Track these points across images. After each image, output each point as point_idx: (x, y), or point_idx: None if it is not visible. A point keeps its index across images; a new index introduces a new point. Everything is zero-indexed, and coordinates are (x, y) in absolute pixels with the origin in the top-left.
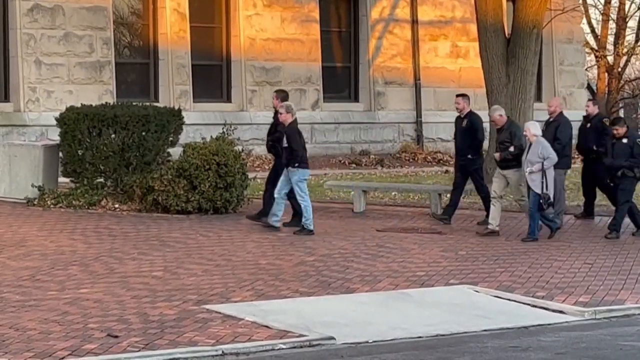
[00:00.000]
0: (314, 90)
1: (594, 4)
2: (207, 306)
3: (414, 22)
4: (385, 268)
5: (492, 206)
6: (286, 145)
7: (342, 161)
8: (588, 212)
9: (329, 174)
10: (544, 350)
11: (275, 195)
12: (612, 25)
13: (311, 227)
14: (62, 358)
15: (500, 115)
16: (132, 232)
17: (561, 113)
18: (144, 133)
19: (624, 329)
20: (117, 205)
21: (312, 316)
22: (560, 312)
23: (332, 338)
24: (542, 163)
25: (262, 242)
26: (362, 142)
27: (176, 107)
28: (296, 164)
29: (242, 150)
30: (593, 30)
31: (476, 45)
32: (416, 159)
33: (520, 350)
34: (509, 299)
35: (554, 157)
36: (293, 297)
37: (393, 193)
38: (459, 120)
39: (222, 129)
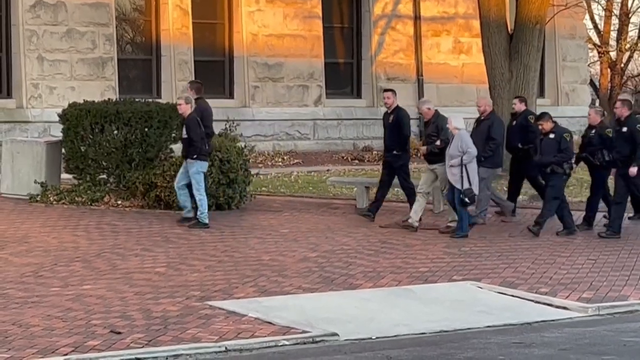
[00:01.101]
0: (317, 86)
1: (596, 0)
2: (210, 302)
3: (417, 18)
4: (389, 264)
5: (416, 201)
6: (185, 137)
7: (345, 157)
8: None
9: (332, 170)
10: (548, 346)
11: (175, 187)
12: (614, 21)
13: (206, 221)
14: (66, 354)
15: (429, 109)
16: (134, 229)
17: (492, 112)
18: (146, 129)
19: (627, 325)
20: (119, 202)
21: (315, 312)
22: (564, 308)
23: (335, 334)
24: (462, 157)
25: (265, 239)
26: (364, 138)
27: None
28: (194, 156)
29: (245, 146)
30: (596, 26)
31: (479, 41)
32: (419, 155)
33: (524, 347)
34: (512, 295)
35: (472, 151)
36: (296, 294)
37: (396, 189)
38: (386, 115)
39: (225, 125)
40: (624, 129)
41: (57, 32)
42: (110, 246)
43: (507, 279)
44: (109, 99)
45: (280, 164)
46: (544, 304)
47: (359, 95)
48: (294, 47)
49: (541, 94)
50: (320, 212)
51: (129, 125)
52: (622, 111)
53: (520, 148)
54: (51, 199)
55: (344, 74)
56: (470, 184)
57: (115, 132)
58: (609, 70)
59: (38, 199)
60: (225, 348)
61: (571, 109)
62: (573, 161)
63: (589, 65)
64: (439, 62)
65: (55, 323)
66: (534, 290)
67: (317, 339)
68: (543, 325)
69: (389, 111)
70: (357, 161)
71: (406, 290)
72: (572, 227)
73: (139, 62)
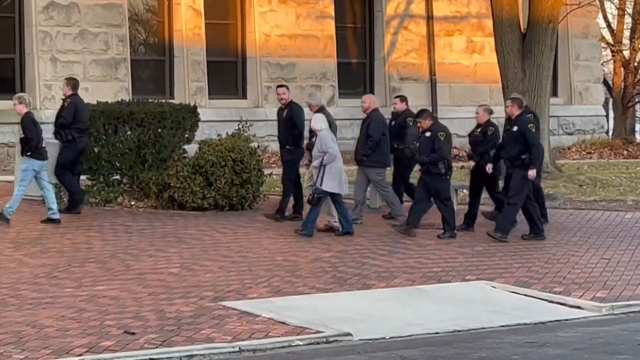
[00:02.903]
0: (330, 86)
1: None
2: (224, 303)
3: (429, 17)
4: (402, 264)
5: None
6: (22, 136)
7: None
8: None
9: (345, 170)
10: (561, 345)
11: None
12: (628, 19)
13: (9, 217)
14: (80, 355)
15: (311, 104)
16: (148, 229)
17: (375, 110)
18: (159, 130)
19: None
20: (133, 202)
21: (328, 312)
22: (578, 307)
23: (349, 334)
24: (323, 158)
25: (278, 239)
26: None
27: (192, 104)
28: (28, 153)
29: (258, 146)
30: (609, 25)
31: (492, 41)
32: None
33: (538, 346)
34: (525, 295)
35: (332, 152)
36: (309, 294)
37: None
38: (280, 111)
39: (238, 125)
40: (514, 128)
41: (70, 33)
42: (124, 247)
43: (521, 279)
44: (122, 99)
45: None
46: (558, 303)
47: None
48: (306, 47)
49: (554, 93)
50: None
51: (142, 126)
52: (513, 110)
53: (396, 148)
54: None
55: (356, 74)
56: (321, 183)
57: (129, 132)
58: (622, 69)
59: None
60: (239, 348)
61: (584, 108)
62: (475, 160)
63: (602, 64)
64: (452, 62)
65: (69, 324)
66: (547, 289)
67: (331, 339)
68: (557, 325)
69: (283, 106)
70: None
71: (419, 290)
72: (452, 230)
73: (152, 62)
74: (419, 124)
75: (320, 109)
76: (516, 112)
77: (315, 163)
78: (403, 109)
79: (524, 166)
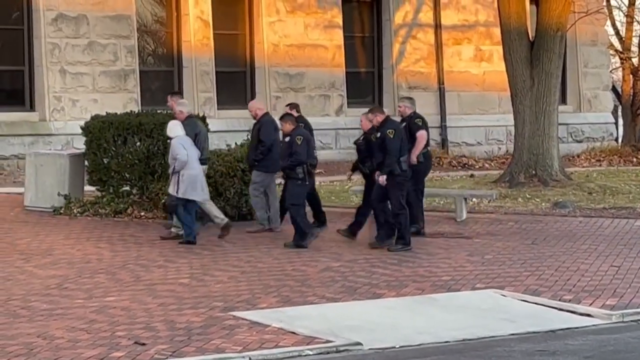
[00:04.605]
0: (338, 95)
1: (618, 6)
2: (234, 313)
3: (437, 26)
4: (411, 273)
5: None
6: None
7: None
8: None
9: (354, 180)
10: (572, 354)
11: None
12: (636, 27)
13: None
14: None
15: (181, 112)
16: (158, 240)
17: (266, 114)
18: (168, 141)
19: None
20: (142, 213)
21: (338, 322)
22: (588, 315)
23: (359, 343)
24: (174, 165)
25: (288, 248)
26: None
27: (200, 115)
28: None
29: None
30: (617, 32)
31: (500, 49)
32: (441, 163)
33: (548, 354)
34: (535, 303)
35: (180, 158)
36: (319, 303)
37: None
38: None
39: (247, 135)
40: (378, 135)
41: (79, 44)
42: (134, 258)
43: (531, 287)
44: (131, 110)
45: None
46: (568, 311)
47: (380, 104)
48: (315, 57)
49: (563, 100)
50: (342, 221)
51: (152, 137)
52: (378, 118)
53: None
54: (75, 211)
55: (365, 83)
56: (177, 191)
57: (138, 143)
58: (631, 76)
59: (62, 211)
60: (249, 358)
61: (593, 116)
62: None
63: (611, 71)
64: (460, 70)
65: (79, 335)
66: (557, 297)
67: (341, 349)
68: (567, 333)
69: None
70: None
71: (429, 299)
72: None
73: (161, 73)
74: (281, 127)
75: (189, 117)
76: (380, 118)
77: (170, 170)
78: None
79: (391, 173)
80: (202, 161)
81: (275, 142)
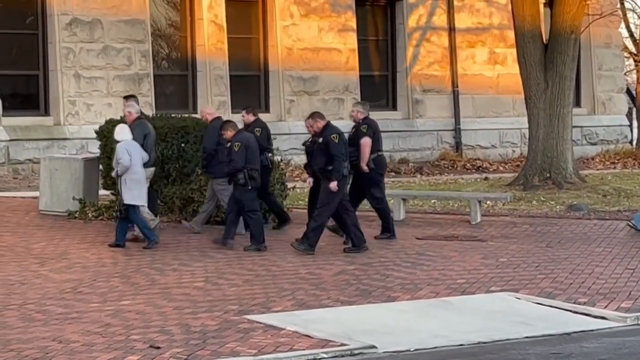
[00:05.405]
0: (352, 99)
1: (632, 8)
2: (249, 316)
3: (451, 29)
4: (426, 276)
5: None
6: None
7: None
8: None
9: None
10: (587, 356)
11: None
12: None
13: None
14: None
15: (129, 113)
16: (172, 243)
17: (216, 118)
18: (183, 144)
19: None
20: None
21: (353, 325)
22: (602, 318)
23: (374, 347)
24: (117, 170)
25: (302, 252)
26: (400, 150)
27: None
28: None
29: (281, 160)
30: (631, 35)
31: (514, 52)
32: (455, 166)
33: (563, 357)
34: (550, 306)
35: (123, 162)
36: (334, 306)
37: (432, 201)
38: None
39: None
40: (320, 139)
41: (94, 49)
42: (149, 261)
43: (545, 290)
44: (145, 114)
45: None
46: (583, 314)
47: (394, 108)
48: (329, 61)
49: (577, 103)
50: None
51: (166, 141)
52: (318, 124)
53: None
54: (89, 215)
55: (379, 87)
56: (124, 199)
57: None
58: None
59: (76, 215)
60: None
61: (608, 118)
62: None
63: (625, 73)
64: (474, 73)
65: (95, 339)
66: (572, 300)
67: (356, 352)
68: (582, 336)
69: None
70: (393, 173)
71: (444, 302)
72: (260, 244)
73: (175, 77)
74: (223, 135)
75: (139, 118)
76: (320, 124)
77: (113, 174)
78: (251, 121)
79: (329, 178)
80: (150, 164)
81: (219, 147)
